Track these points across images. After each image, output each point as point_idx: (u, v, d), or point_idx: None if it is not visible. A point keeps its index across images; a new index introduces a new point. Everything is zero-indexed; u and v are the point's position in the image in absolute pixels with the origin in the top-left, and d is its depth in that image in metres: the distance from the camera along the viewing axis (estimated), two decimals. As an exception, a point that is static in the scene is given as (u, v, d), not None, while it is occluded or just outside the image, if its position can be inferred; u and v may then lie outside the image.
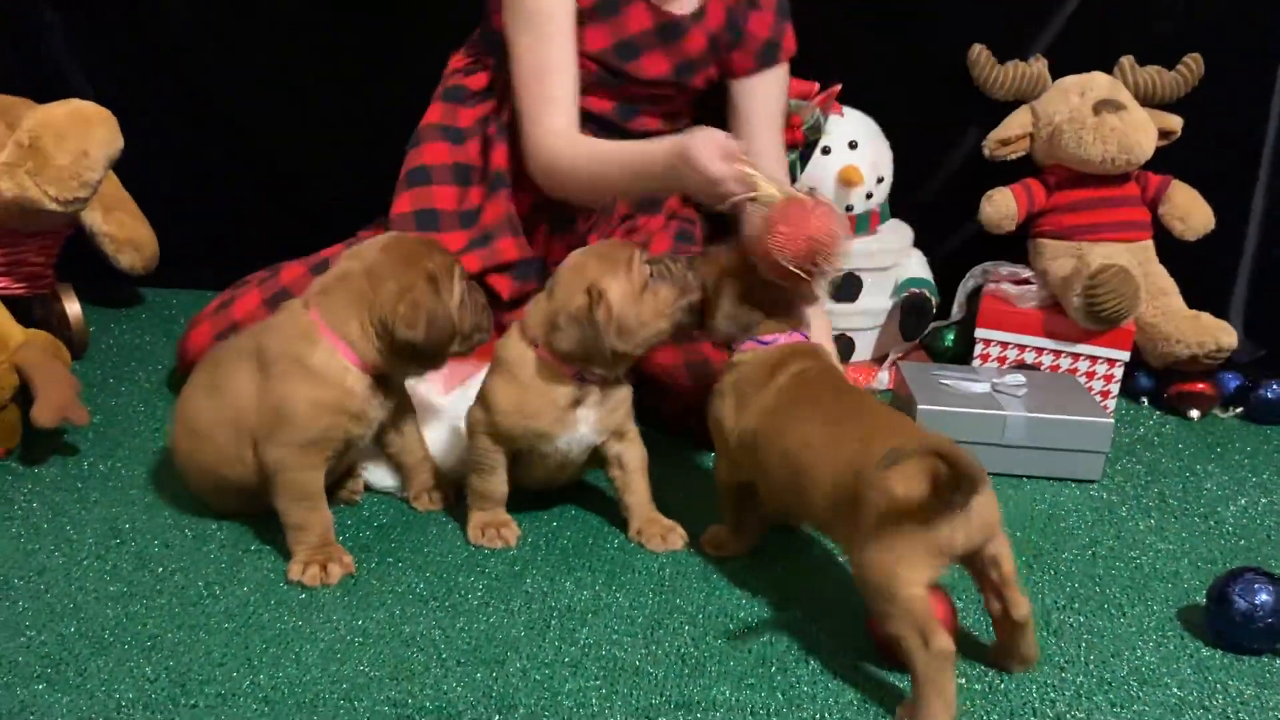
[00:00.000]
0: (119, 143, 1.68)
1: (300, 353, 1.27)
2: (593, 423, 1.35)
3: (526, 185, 1.65)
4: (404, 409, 1.42)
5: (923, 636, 1.05)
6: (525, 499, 1.44)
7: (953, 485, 1.04)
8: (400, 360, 1.31)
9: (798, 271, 1.24)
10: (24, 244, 1.77)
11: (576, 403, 1.33)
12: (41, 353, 1.52)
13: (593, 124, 1.64)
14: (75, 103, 1.65)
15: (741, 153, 1.34)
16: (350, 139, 2.10)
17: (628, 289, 1.31)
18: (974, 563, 1.13)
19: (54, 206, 1.63)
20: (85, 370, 1.81)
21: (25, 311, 1.85)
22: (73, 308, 1.90)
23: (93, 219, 1.93)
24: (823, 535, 1.38)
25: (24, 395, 1.51)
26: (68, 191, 1.63)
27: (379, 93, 2.00)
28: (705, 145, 1.34)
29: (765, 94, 1.73)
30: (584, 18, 1.60)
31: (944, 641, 1.05)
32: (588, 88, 1.63)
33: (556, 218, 1.70)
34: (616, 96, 1.67)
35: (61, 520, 1.39)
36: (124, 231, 1.96)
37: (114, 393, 1.77)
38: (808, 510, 1.21)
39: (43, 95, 1.98)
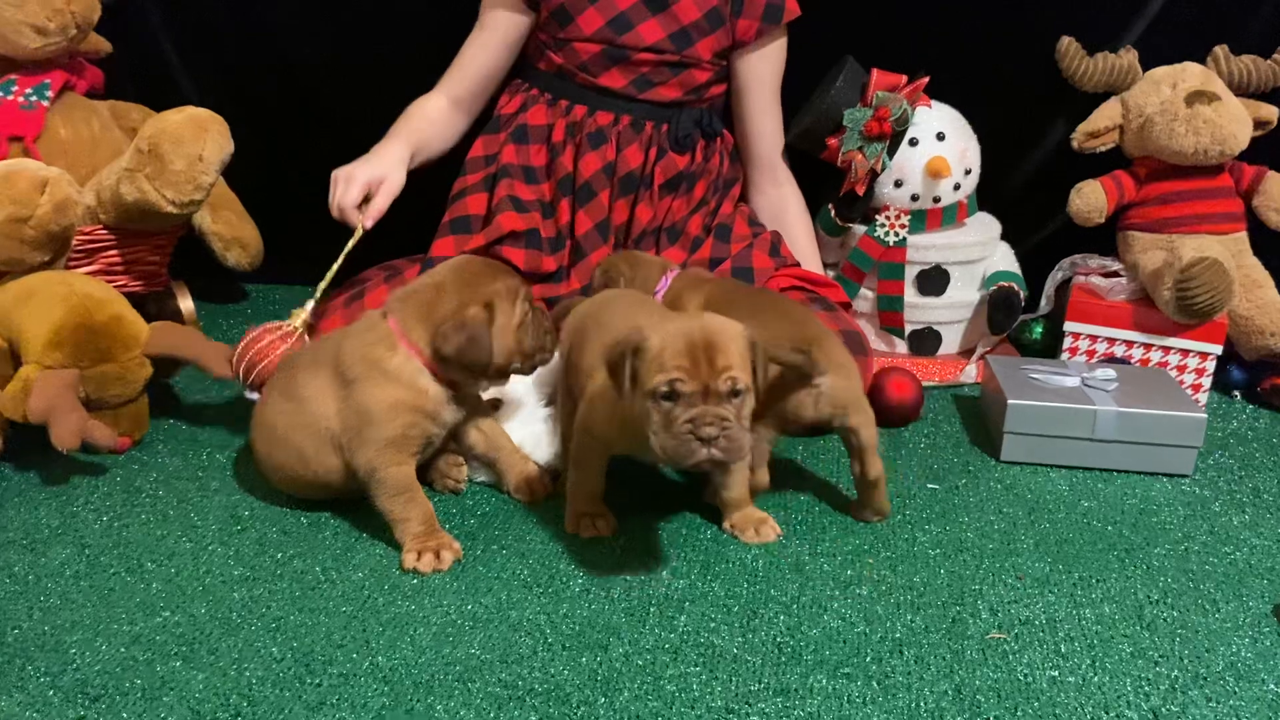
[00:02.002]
0: (230, 146, 1.76)
1: (379, 357, 1.37)
2: None
3: (540, 176, 1.83)
4: (480, 409, 1.49)
5: (751, 468, 1.44)
6: (621, 491, 1.48)
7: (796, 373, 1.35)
8: (451, 369, 1.39)
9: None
10: (140, 244, 1.86)
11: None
12: (173, 328, 1.65)
13: (612, 97, 1.81)
14: (190, 110, 1.73)
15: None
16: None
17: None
18: (838, 432, 1.43)
19: (171, 209, 1.71)
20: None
21: (141, 308, 1.93)
22: (185, 304, 1.99)
23: (202, 219, 2.02)
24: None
25: (152, 386, 1.61)
26: (184, 194, 1.71)
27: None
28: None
29: (765, 66, 1.89)
30: (573, 9, 1.78)
31: (763, 477, 1.49)
32: (598, 67, 1.79)
33: (581, 194, 1.83)
34: (628, 73, 1.80)
35: (186, 508, 1.48)
36: (231, 230, 2.05)
37: (228, 384, 1.85)
38: None
39: (153, 98, 2.09)
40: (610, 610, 1.27)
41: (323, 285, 1.65)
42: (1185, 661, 1.21)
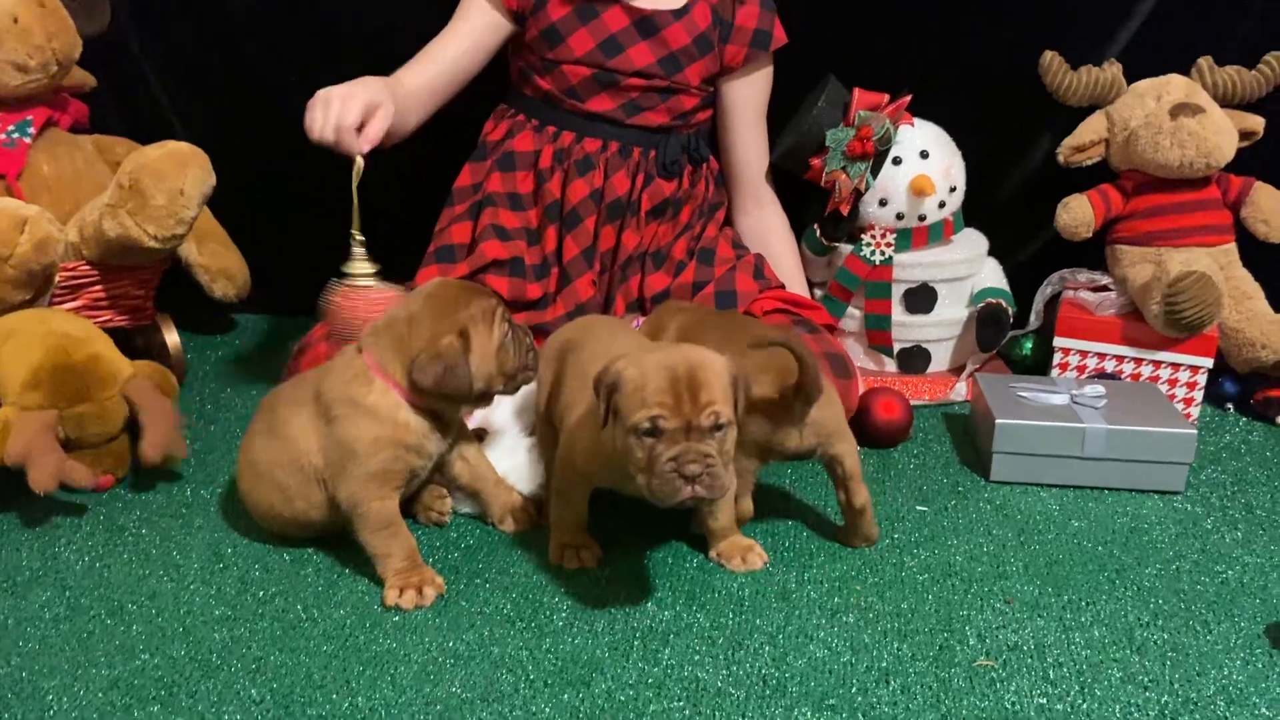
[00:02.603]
0: (212, 180, 1.75)
1: (356, 394, 1.36)
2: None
3: (526, 203, 1.82)
4: (465, 438, 1.48)
5: (735, 496, 1.43)
6: (605, 520, 1.47)
7: (795, 396, 1.32)
8: (432, 399, 1.37)
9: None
10: (125, 278, 1.86)
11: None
12: (150, 384, 1.60)
13: (599, 121, 1.79)
14: (171, 144, 1.73)
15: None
16: (433, 163, 2.15)
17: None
18: (821, 461, 1.41)
19: (153, 244, 1.71)
20: (184, 398, 1.89)
21: (127, 342, 1.95)
22: (171, 337, 1.99)
23: (188, 251, 2.02)
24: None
25: (133, 424, 1.60)
26: (166, 229, 1.71)
27: (465, 118, 2.03)
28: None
29: (752, 91, 1.90)
30: (563, 29, 1.77)
31: (746, 506, 1.48)
32: (586, 91, 1.78)
33: (568, 219, 1.82)
34: (616, 98, 1.79)
35: (169, 546, 1.47)
36: (217, 262, 2.05)
37: (212, 419, 1.85)
38: None
39: (139, 131, 2.09)
40: (594, 644, 1.26)
41: (356, 230, 1.58)
42: (1176, 686, 1.20)
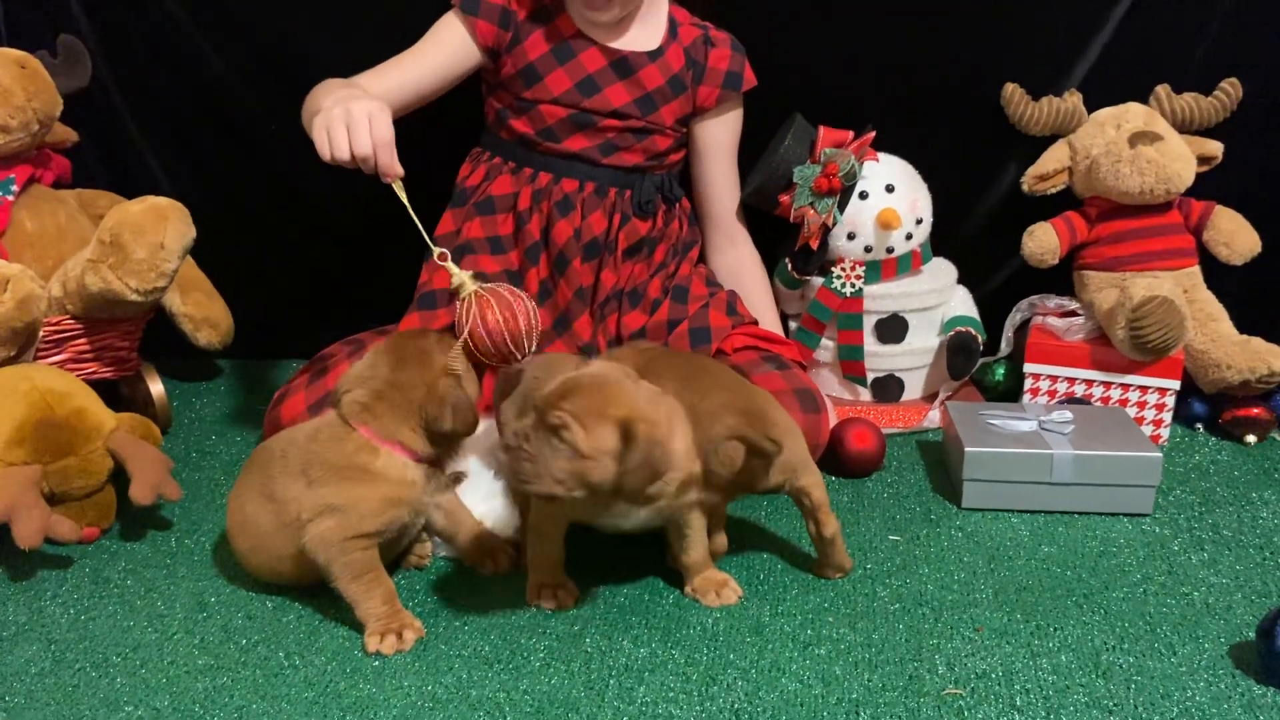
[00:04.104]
0: (192, 233, 1.78)
1: (364, 462, 1.39)
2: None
3: (507, 245, 1.85)
4: (442, 486, 1.51)
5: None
6: (582, 557, 1.50)
7: (759, 454, 1.37)
8: (441, 446, 1.44)
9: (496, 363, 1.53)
10: (109, 331, 1.89)
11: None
12: (133, 435, 1.63)
13: (576, 161, 1.83)
14: (151, 199, 1.76)
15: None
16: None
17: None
18: (789, 494, 1.45)
19: (135, 297, 1.74)
20: (169, 446, 1.92)
21: (112, 393, 1.98)
22: (156, 387, 2.01)
23: (171, 300, 2.05)
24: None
25: (117, 477, 1.63)
26: (147, 282, 1.74)
27: (453, 160, 2.07)
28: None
29: (724, 131, 1.95)
30: (541, 68, 1.80)
31: (720, 542, 1.52)
32: (563, 131, 1.82)
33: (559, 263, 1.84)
34: (593, 137, 1.83)
35: (153, 596, 1.49)
36: (201, 311, 2.08)
37: (197, 467, 1.88)
38: None
39: (123, 184, 2.13)
40: (570, 684, 1.28)
41: (433, 246, 1.55)
42: (1139, 710, 1.22)
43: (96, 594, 1.50)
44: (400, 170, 1.49)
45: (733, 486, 1.41)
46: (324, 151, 1.47)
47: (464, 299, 1.52)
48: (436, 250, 1.54)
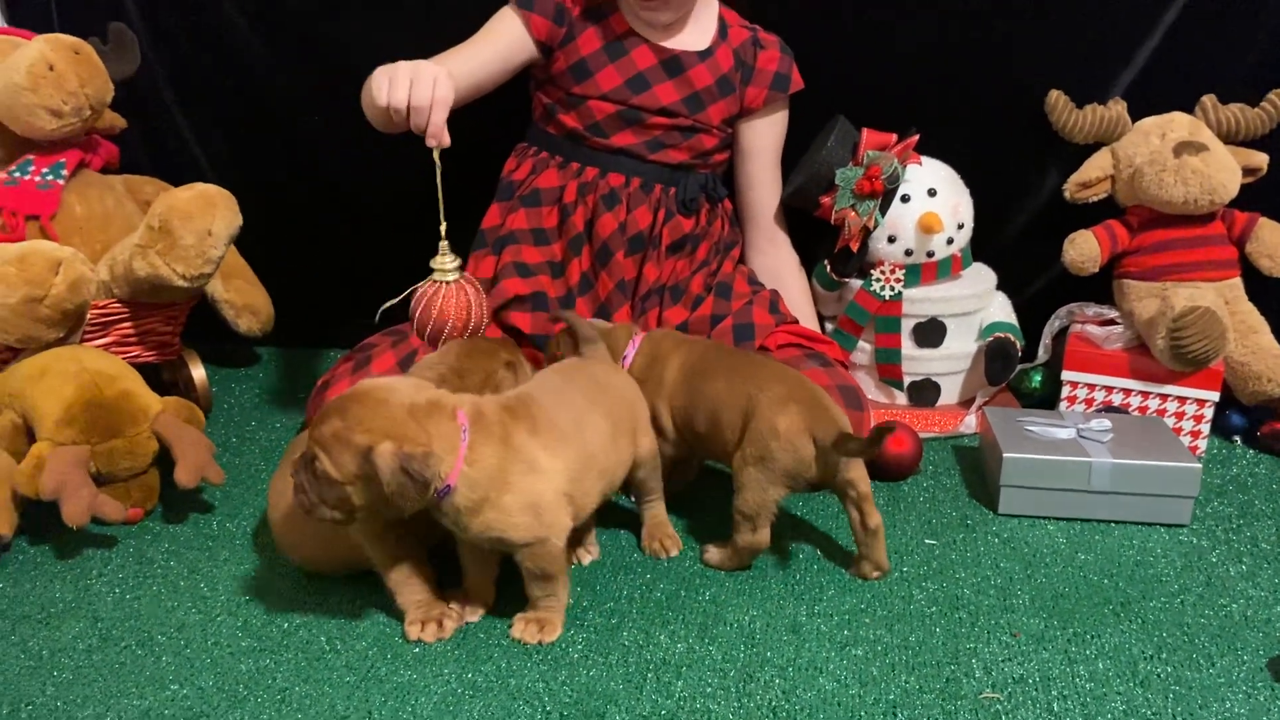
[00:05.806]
0: (238, 220, 1.81)
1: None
2: None
3: (551, 237, 1.86)
4: None
5: (754, 526, 1.46)
6: (622, 551, 1.51)
7: (835, 448, 1.42)
8: None
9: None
10: (153, 315, 1.91)
11: None
12: (178, 419, 1.65)
13: (622, 156, 1.85)
14: (199, 186, 1.79)
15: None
16: (451, 204, 2.20)
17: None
18: (835, 486, 1.46)
19: (182, 283, 1.76)
20: (210, 431, 1.94)
21: (155, 377, 2.01)
22: (198, 372, 2.04)
23: (214, 287, 2.07)
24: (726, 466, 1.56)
25: (161, 459, 1.65)
26: (194, 269, 1.76)
27: (490, 152, 2.07)
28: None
29: (769, 133, 1.96)
30: (592, 64, 1.82)
31: (764, 536, 1.47)
32: (611, 127, 1.84)
33: (601, 254, 1.86)
34: (640, 134, 1.84)
35: (196, 578, 1.51)
36: (242, 298, 2.10)
37: (236, 452, 1.90)
38: (723, 446, 1.51)
39: (168, 171, 2.16)
40: (608, 676, 1.29)
41: (443, 220, 1.53)
42: (1177, 719, 1.22)
43: (141, 574, 1.52)
44: (448, 140, 1.47)
45: (791, 479, 1.44)
46: (380, 95, 1.45)
47: (443, 282, 1.53)
48: (444, 227, 1.53)
